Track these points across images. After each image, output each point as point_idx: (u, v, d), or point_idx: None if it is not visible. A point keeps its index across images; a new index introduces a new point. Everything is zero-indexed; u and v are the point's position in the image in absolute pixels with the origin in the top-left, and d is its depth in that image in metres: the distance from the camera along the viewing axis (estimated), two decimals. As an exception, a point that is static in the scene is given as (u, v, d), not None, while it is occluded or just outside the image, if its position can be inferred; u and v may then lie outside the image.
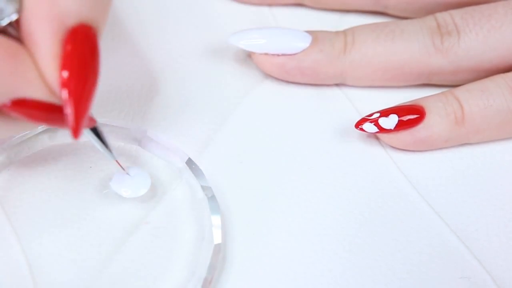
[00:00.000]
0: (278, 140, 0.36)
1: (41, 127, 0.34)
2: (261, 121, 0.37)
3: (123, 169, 0.32)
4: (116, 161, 0.32)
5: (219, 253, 0.31)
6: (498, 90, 0.35)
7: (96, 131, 0.30)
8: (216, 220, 0.32)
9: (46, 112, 0.27)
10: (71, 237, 0.32)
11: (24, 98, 0.26)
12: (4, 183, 0.33)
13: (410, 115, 0.35)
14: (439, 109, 0.35)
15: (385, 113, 0.35)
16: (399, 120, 0.35)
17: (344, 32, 0.37)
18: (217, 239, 0.31)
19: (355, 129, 0.35)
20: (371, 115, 0.35)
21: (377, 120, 0.35)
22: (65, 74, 0.26)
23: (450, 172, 0.35)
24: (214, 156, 0.35)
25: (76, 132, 0.26)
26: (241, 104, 0.37)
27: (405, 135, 0.35)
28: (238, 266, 0.32)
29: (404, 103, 0.36)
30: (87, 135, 0.30)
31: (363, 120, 0.35)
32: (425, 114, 0.35)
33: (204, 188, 0.33)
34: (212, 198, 0.33)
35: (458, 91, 0.35)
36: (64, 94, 0.26)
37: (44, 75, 0.26)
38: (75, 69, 0.26)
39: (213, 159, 0.35)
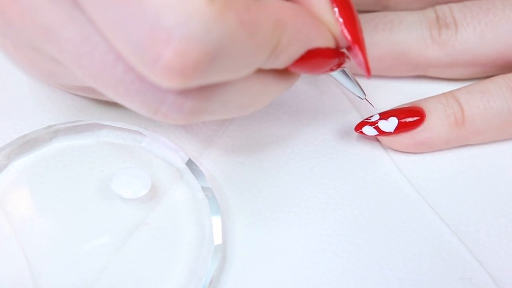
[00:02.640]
0: (278, 141, 0.36)
1: (41, 127, 0.34)
2: (261, 121, 0.37)
3: (373, 106, 0.36)
4: (366, 99, 0.35)
5: (219, 254, 0.31)
6: (498, 91, 0.35)
7: (345, 72, 0.34)
8: (216, 221, 0.32)
9: (328, 58, 0.30)
10: (71, 237, 0.32)
11: (317, 47, 0.29)
12: (4, 183, 0.33)
13: (409, 118, 0.35)
14: (439, 111, 0.35)
15: (384, 115, 0.35)
16: (399, 123, 0.35)
17: None
18: (217, 240, 0.31)
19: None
20: (370, 117, 0.35)
21: (377, 123, 0.35)
22: (345, 21, 0.30)
23: (450, 173, 0.35)
24: (214, 157, 0.35)
25: (368, 69, 0.31)
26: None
27: (405, 138, 0.35)
28: (238, 266, 0.32)
29: (403, 104, 0.36)
30: (335, 73, 0.33)
31: (363, 123, 0.35)
32: (425, 116, 0.35)
33: (204, 188, 0.33)
34: (212, 199, 0.33)
35: (458, 92, 0.35)
36: (352, 38, 0.30)
37: (327, 25, 0.30)
38: (349, 16, 0.30)
39: (213, 159, 0.35)
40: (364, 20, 0.37)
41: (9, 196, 0.33)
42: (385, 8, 0.40)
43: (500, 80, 0.35)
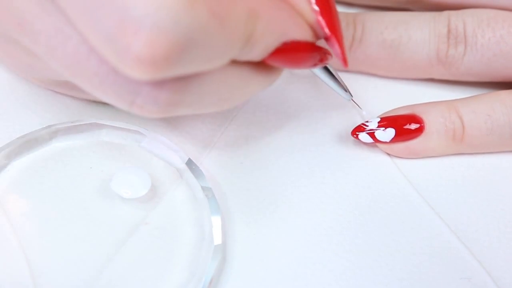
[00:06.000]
0: (278, 141, 0.36)
1: (41, 127, 0.34)
2: (261, 121, 0.37)
3: (360, 107, 0.35)
4: (352, 100, 0.35)
5: (219, 253, 0.31)
6: (505, 114, 0.34)
7: (327, 69, 0.33)
8: (216, 220, 0.32)
9: (306, 52, 0.30)
10: (71, 237, 0.32)
11: (294, 40, 0.29)
12: (4, 183, 0.33)
13: (407, 132, 0.34)
14: (439, 125, 0.34)
15: (383, 123, 0.35)
16: (396, 134, 0.34)
17: (354, 24, 0.37)
18: (217, 240, 0.31)
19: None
20: (368, 123, 0.35)
21: (374, 132, 0.35)
22: (323, 13, 0.29)
23: (450, 173, 0.35)
24: (214, 157, 0.35)
25: (345, 60, 0.30)
26: (241, 104, 0.37)
27: (400, 147, 0.35)
28: (238, 266, 0.32)
29: (404, 107, 0.35)
30: (319, 73, 0.33)
31: (360, 128, 0.35)
32: (423, 128, 0.34)
33: (204, 188, 0.33)
34: (212, 199, 0.33)
35: (463, 109, 0.35)
36: (328, 28, 0.30)
37: (303, 15, 0.29)
38: (326, 5, 0.29)
39: (213, 159, 0.35)
40: (373, 31, 0.36)
41: (9, 196, 0.33)
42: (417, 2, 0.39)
43: (507, 99, 0.35)
